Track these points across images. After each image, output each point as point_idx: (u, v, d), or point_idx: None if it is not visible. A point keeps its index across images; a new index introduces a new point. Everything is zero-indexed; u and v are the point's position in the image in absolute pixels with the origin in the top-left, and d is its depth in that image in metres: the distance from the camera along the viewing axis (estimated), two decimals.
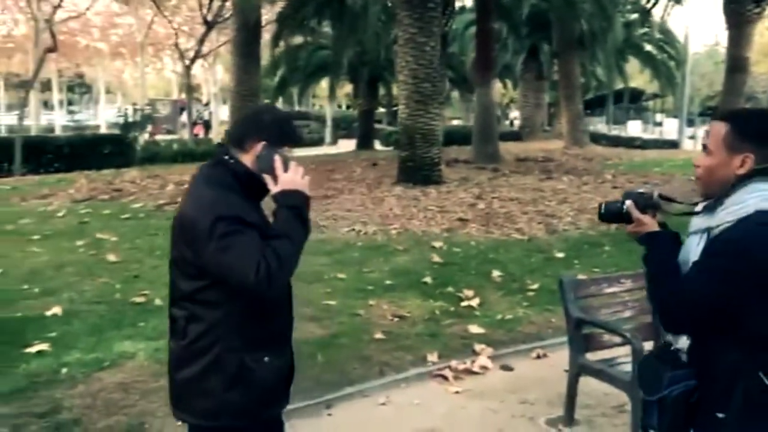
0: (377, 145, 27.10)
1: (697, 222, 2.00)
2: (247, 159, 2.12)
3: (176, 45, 24.21)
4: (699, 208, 2.03)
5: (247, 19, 12.10)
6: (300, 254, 2.09)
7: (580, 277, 4.83)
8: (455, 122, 43.89)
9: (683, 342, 2.00)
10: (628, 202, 2.09)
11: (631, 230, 2.09)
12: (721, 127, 1.96)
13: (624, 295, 4.08)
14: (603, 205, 2.18)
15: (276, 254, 1.96)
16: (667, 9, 23.30)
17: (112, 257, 6.79)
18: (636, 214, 2.06)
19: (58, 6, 19.81)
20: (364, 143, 27.04)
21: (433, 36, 10.85)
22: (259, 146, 2.11)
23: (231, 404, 2.12)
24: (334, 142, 37.84)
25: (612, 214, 2.15)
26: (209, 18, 22.03)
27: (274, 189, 2.09)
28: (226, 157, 2.14)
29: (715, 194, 1.96)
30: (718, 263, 1.83)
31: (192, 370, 2.12)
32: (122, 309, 5.46)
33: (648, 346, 3.76)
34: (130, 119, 21.73)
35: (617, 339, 3.81)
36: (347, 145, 30.70)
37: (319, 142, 38.22)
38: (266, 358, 2.15)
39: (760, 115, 2.07)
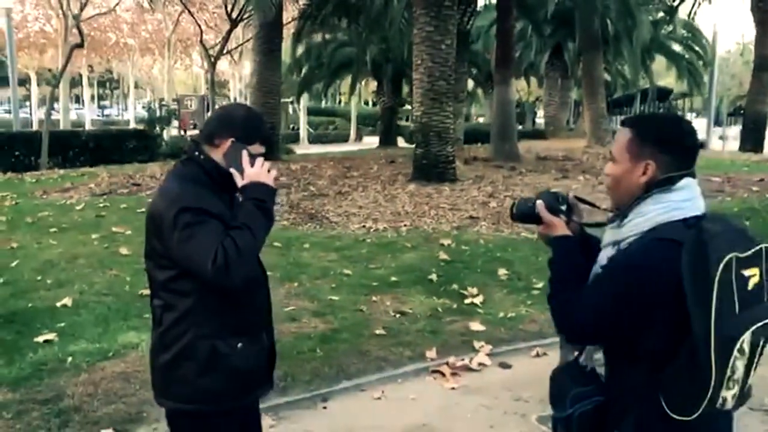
0: (401, 142, 27.13)
1: (608, 235, 1.93)
2: (217, 155, 2.22)
3: (201, 42, 24.44)
4: (609, 219, 1.95)
5: (266, 16, 12.22)
6: (261, 244, 2.17)
7: None
8: (481, 119, 43.79)
9: (597, 359, 1.96)
10: (539, 203, 2.02)
11: (541, 232, 2.03)
12: (625, 134, 1.89)
13: None
14: (515, 204, 2.11)
15: (234, 244, 2.05)
16: (694, 7, 23.03)
17: (124, 250, 6.95)
18: (545, 215, 1.99)
19: (86, 3, 20.13)
20: (387, 140, 27.10)
21: (449, 34, 10.87)
22: (228, 143, 2.21)
23: (205, 390, 2.21)
24: (358, 138, 38.01)
25: (523, 213, 2.08)
26: (234, 15, 22.22)
27: (240, 183, 2.19)
28: (197, 153, 2.25)
29: (625, 204, 1.90)
30: (614, 280, 1.79)
31: (166, 356, 2.23)
32: (130, 300, 5.59)
33: None
34: (156, 114, 22.01)
35: None
36: (372, 141, 30.84)
37: (344, 138, 38.48)
38: (239, 344, 2.24)
39: (662, 120, 2.03)
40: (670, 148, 1.85)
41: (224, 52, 24.63)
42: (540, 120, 41.58)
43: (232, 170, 2.19)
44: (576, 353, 2.05)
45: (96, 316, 5.30)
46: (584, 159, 16.08)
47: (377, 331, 5.17)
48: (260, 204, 2.15)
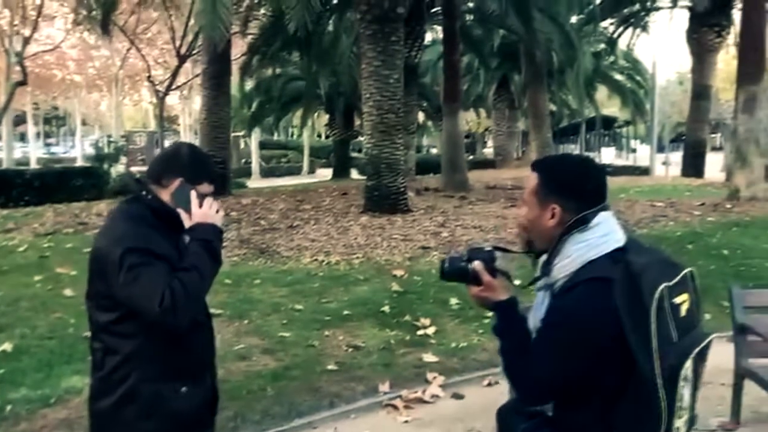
0: (354, 174, 27.24)
1: (540, 282, 1.95)
2: (165, 195, 2.22)
3: (149, 78, 24.26)
4: (537, 269, 1.97)
5: (215, 50, 12.23)
6: (208, 285, 2.17)
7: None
8: (433, 150, 44.29)
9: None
10: (477, 264, 1.94)
11: (477, 294, 1.96)
12: (533, 178, 1.93)
13: None
14: (446, 262, 1.99)
15: (182, 285, 2.03)
16: (633, 38, 23.88)
17: (68, 292, 6.76)
18: (486, 278, 1.95)
19: (28, 40, 19.83)
20: (340, 172, 27.22)
21: (397, 69, 11.04)
22: (176, 183, 2.20)
23: None
24: (311, 171, 38.04)
25: (456, 273, 1.98)
26: (182, 51, 22.17)
27: (188, 223, 2.18)
28: (144, 193, 2.24)
29: (539, 247, 1.93)
30: (557, 336, 1.79)
31: (108, 401, 2.18)
32: (74, 343, 5.42)
33: None
34: (103, 151, 21.65)
35: None
36: (325, 174, 30.87)
37: (297, 171, 38.46)
38: (183, 388, 2.21)
39: (565, 164, 2.06)
40: (573, 193, 1.88)
41: (173, 87, 24.48)
42: (489, 149, 42.26)
43: (180, 210, 2.19)
44: None
45: (38, 361, 5.13)
46: None
47: (329, 367, 5.13)
48: (207, 245, 2.15)
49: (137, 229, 2.14)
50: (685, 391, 1.73)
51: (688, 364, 1.72)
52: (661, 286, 1.69)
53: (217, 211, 2.24)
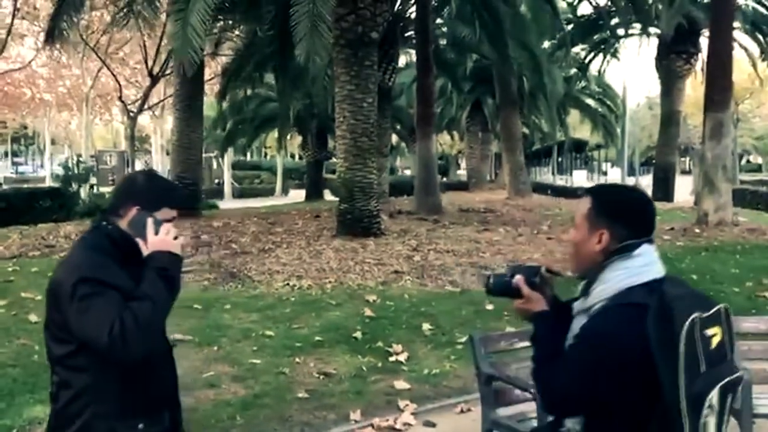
0: (328, 195, 27.19)
1: (578, 305, 2.00)
2: (124, 224, 2.17)
3: (120, 98, 24.06)
4: (579, 292, 2.02)
5: (187, 73, 12.19)
6: (163, 315, 2.11)
7: (495, 332, 4.86)
8: (407, 171, 44.47)
9: (574, 421, 1.99)
10: (518, 278, 2.04)
11: (520, 307, 2.05)
12: (585, 203, 1.98)
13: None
14: (490, 278, 2.12)
15: (133, 315, 1.97)
16: (603, 64, 24.33)
17: (34, 317, 6.60)
18: (526, 290, 2.02)
19: None
20: (313, 194, 27.16)
21: (370, 93, 11.07)
22: (133, 211, 2.15)
23: None
24: (284, 192, 37.90)
25: (500, 288, 2.09)
26: (155, 71, 22.06)
27: (146, 251, 2.13)
28: (104, 223, 2.19)
29: (586, 271, 1.97)
30: (585, 354, 1.84)
31: None
32: (38, 372, 5.27)
33: None
34: (72, 171, 21.32)
35: (527, 394, 3.85)
36: (298, 195, 30.77)
37: (270, 192, 38.31)
38: (140, 425, 2.13)
39: (620, 191, 2.10)
40: (625, 219, 1.93)
41: (145, 107, 24.32)
42: (463, 171, 42.54)
43: (138, 240, 2.14)
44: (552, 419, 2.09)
45: (0, 390, 4.99)
46: (504, 211, 16.49)
47: (300, 395, 5.06)
48: (163, 273, 2.09)
49: (92, 259, 2.09)
50: (709, 419, 1.76)
51: (715, 393, 1.75)
52: (693, 315, 1.74)
53: (176, 238, 2.17)
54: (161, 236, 2.13)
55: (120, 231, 2.16)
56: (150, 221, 2.14)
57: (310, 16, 9.63)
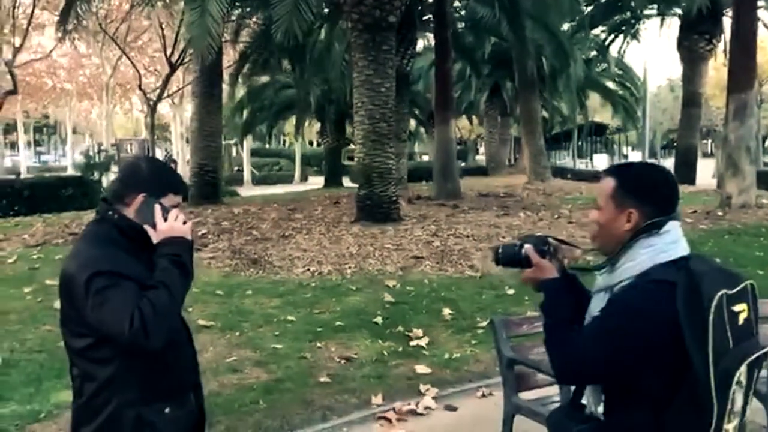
0: (346, 182, 27.23)
1: (600, 281, 2.01)
2: (130, 212, 2.15)
3: (140, 87, 24.20)
4: (598, 266, 2.02)
5: (205, 62, 12.22)
6: (180, 301, 2.11)
7: (516, 316, 4.86)
8: (425, 157, 44.34)
9: (595, 401, 2.00)
10: (527, 247, 2.04)
11: (528, 276, 2.05)
12: (609, 182, 1.97)
13: None
14: (500, 249, 2.11)
15: (151, 304, 1.98)
16: (623, 46, 24.01)
17: (58, 304, 6.69)
18: (536, 259, 2.03)
19: (19, 49, 19.76)
20: (332, 180, 27.19)
21: (388, 77, 11.02)
22: (140, 198, 2.14)
23: None
24: (303, 179, 38.01)
25: (509, 258, 2.08)
26: (174, 59, 22.15)
27: (155, 238, 2.13)
28: (110, 213, 2.17)
29: (611, 250, 1.97)
30: (612, 324, 1.84)
31: (90, 428, 2.12)
32: (64, 357, 5.26)
33: None
34: (93, 160, 21.57)
35: (549, 378, 3.84)
36: (317, 182, 30.84)
37: (289, 179, 38.43)
38: (167, 410, 2.16)
39: (643, 169, 2.09)
40: (652, 197, 1.94)
41: (164, 95, 24.44)
42: (482, 157, 42.33)
43: (146, 227, 2.13)
44: (572, 397, 2.10)
45: (27, 375, 5.07)
46: (525, 195, 16.40)
47: (322, 379, 5.09)
48: (176, 259, 2.09)
49: (103, 251, 2.08)
50: (737, 396, 1.78)
51: (743, 369, 1.77)
52: (720, 292, 1.75)
53: (185, 222, 2.16)
54: (170, 222, 2.12)
55: (127, 220, 2.15)
56: (158, 208, 2.13)
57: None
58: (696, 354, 1.72)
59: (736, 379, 1.75)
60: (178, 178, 2.33)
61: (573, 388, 2.14)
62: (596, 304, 1.96)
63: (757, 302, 1.90)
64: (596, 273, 2.03)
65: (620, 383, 1.88)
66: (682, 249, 1.91)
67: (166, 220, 2.12)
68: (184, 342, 2.30)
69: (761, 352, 1.83)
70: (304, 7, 9.92)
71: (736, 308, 1.79)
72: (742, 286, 1.82)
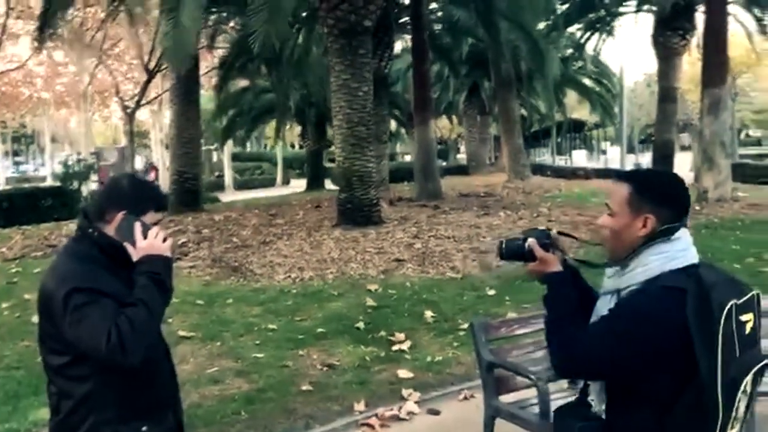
0: (329, 184, 27.21)
1: (608, 283, 2.02)
2: (111, 230, 2.16)
3: (118, 94, 24.01)
4: (608, 271, 2.04)
5: (180, 70, 12.16)
6: (158, 319, 2.12)
7: (499, 319, 4.89)
8: (407, 157, 44.38)
9: (599, 402, 2.02)
10: (531, 240, 2.06)
11: (533, 269, 2.07)
12: (623, 188, 1.98)
13: (534, 335, 4.15)
14: (503, 243, 2.13)
15: (129, 321, 1.99)
16: (599, 43, 24.17)
17: (37, 319, 6.64)
18: (539, 252, 2.04)
19: None
20: (314, 183, 27.17)
21: (366, 81, 11.04)
22: (120, 216, 2.15)
23: None
24: (285, 182, 37.91)
25: (513, 252, 2.10)
26: (151, 66, 22.00)
27: (135, 256, 2.13)
28: (90, 230, 2.18)
29: (621, 255, 1.98)
30: (621, 326, 1.85)
31: None
32: (42, 373, 5.25)
33: (554, 386, 3.85)
34: (72, 169, 21.35)
35: (528, 381, 3.87)
36: (299, 185, 30.77)
37: (271, 183, 38.30)
38: (144, 428, 2.16)
39: (659, 175, 2.14)
40: (668, 202, 1.96)
41: (143, 102, 24.26)
42: (463, 155, 42.45)
43: (126, 244, 2.14)
44: (578, 394, 2.13)
45: (5, 393, 5.03)
46: (505, 194, 16.49)
47: (304, 387, 5.09)
48: (155, 277, 2.10)
49: (82, 267, 2.09)
50: (741, 404, 1.81)
51: (748, 379, 1.81)
52: (731, 303, 1.78)
53: (164, 240, 2.17)
54: (150, 240, 2.13)
55: (107, 238, 2.16)
56: (138, 225, 2.14)
57: (270, 9, 9.74)
58: (704, 361, 1.75)
59: (742, 388, 1.78)
60: (160, 194, 2.34)
61: (580, 386, 2.16)
62: (603, 306, 1.98)
63: (761, 312, 1.93)
64: (605, 276, 2.05)
65: (623, 384, 1.90)
66: (692, 256, 1.93)
67: (146, 237, 2.13)
68: (162, 359, 2.30)
69: (765, 361, 1.87)
70: (280, 17, 9.87)
71: (744, 318, 1.82)
72: (749, 295, 1.86)
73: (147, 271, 2.10)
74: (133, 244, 2.13)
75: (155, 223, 2.19)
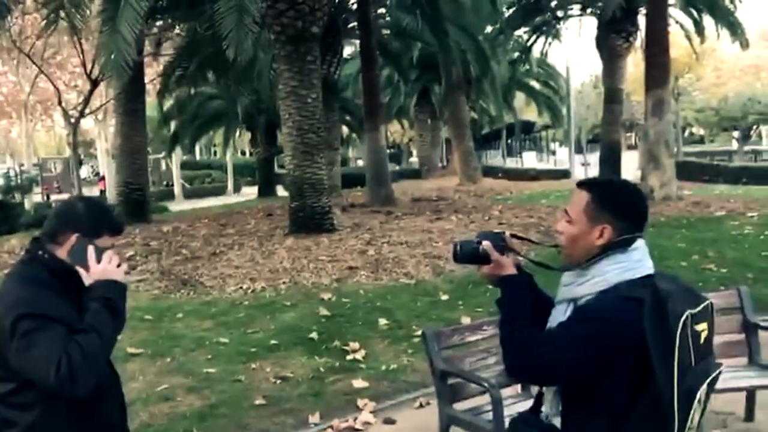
0: (281, 191, 27.00)
1: (563, 292, 2.02)
2: (63, 253, 2.09)
3: (60, 103, 23.39)
4: (564, 280, 2.03)
5: (120, 80, 11.90)
6: (110, 346, 2.06)
7: (451, 326, 4.86)
8: (360, 162, 44.38)
9: (552, 410, 2.02)
10: (486, 243, 2.04)
11: (487, 272, 2.05)
12: (582, 196, 1.98)
13: (486, 342, 4.15)
14: (458, 246, 2.10)
15: (80, 348, 1.92)
16: (545, 46, 24.59)
17: None
18: (495, 255, 2.03)
19: None
20: (266, 191, 26.94)
21: (314, 88, 10.97)
22: (73, 239, 2.08)
23: None
24: (236, 189, 37.45)
25: (468, 255, 2.07)
26: (94, 74, 21.47)
27: (87, 281, 2.06)
28: (41, 253, 2.11)
29: (578, 261, 1.98)
30: (579, 330, 1.85)
31: None
32: None
33: (508, 392, 3.86)
34: (14, 182, 20.74)
35: (481, 387, 3.87)
36: (251, 192, 30.43)
37: (221, 191, 37.80)
38: None
39: (619, 186, 2.11)
40: (627, 214, 1.96)
41: (87, 112, 23.66)
42: (416, 159, 42.68)
43: (78, 268, 2.07)
44: (531, 405, 2.12)
45: None
46: (456, 198, 16.60)
47: (257, 401, 5.00)
48: (107, 303, 2.03)
49: (31, 292, 2.01)
50: (696, 413, 1.83)
51: (703, 388, 1.82)
52: (686, 313, 1.79)
53: (119, 265, 2.11)
54: (104, 265, 2.07)
55: (58, 261, 2.09)
56: (91, 249, 2.08)
57: (237, 10, 9.49)
58: (660, 370, 1.76)
59: (698, 397, 1.80)
60: (115, 218, 2.26)
61: (535, 393, 2.16)
62: (558, 315, 1.97)
63: (714, 321, 1.95)
64: (561, 284, 2.04)
65: (578, 390, 1.89)
66: (648, 267, 1.94)
67: (99, 261, 2.07)
68: (111, 386, 2.23)
69: (719, 371, 1.89)
70: (248, 19, 9.69)
71: (698, 327, 1.83)
72: (703, 305, 1.87)
73: (100, 296, 2.04)
74: (86, 268, 2.06)
75: (109, 248, 2.13)
